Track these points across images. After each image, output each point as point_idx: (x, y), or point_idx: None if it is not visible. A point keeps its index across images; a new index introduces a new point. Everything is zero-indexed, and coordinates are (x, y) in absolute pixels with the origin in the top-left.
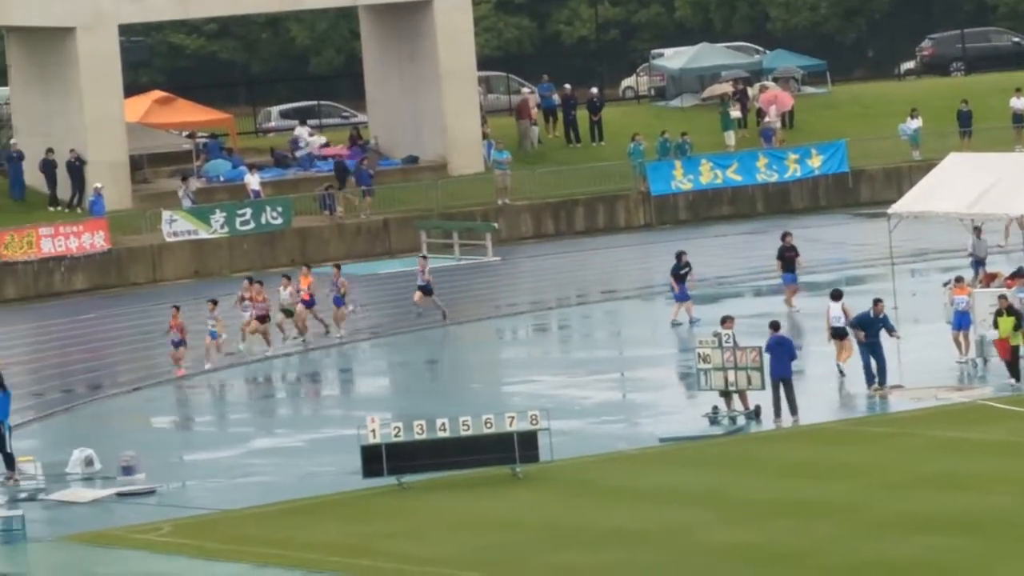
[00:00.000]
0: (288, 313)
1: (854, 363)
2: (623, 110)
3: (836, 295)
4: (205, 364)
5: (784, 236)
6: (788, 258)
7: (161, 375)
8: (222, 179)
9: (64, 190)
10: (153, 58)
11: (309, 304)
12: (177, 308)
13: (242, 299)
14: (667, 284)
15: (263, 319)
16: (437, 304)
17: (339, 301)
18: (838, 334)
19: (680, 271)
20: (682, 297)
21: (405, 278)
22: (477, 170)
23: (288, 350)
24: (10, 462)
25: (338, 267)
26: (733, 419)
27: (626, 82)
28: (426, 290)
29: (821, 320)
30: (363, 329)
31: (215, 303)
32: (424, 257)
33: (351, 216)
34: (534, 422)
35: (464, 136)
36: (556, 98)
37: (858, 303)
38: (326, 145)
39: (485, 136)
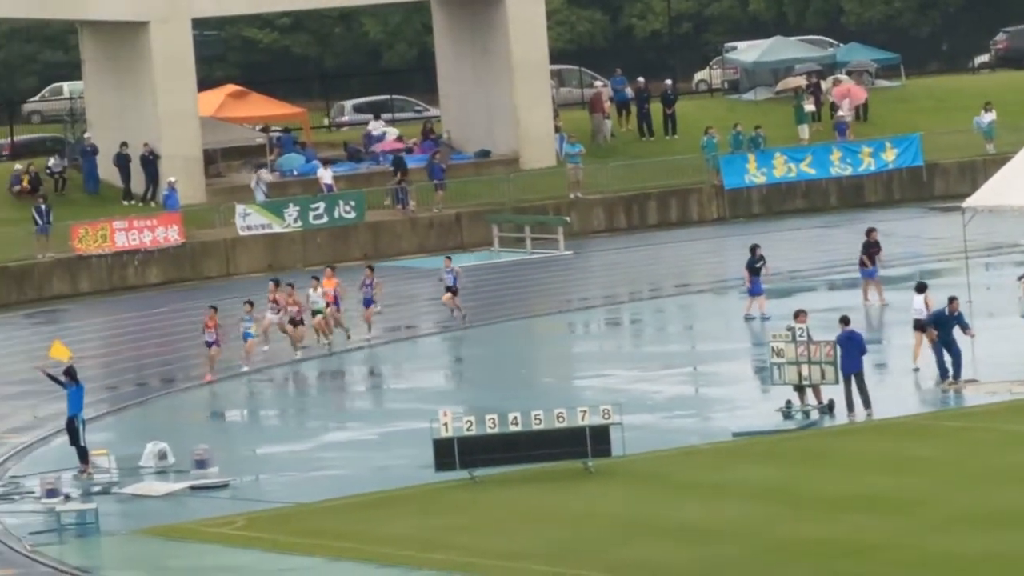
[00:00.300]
0: (315, 314)
1: (928, 357)
2: (696, 103)
3: (920, 287)
4: (243, 367)
5: (869, 232)
6: (871, 254)
7: (234, 369)
8: (295, 173)
9: (138, 184)
10: (227, 52)
11: (322, 308)
12: (214, 308)
13: (271, 302)
14: (741, 278)
15: (296, 323)
16: (458, 306)
17: (369, 302)
18: (919, 326)
19: (754, 264)
20: (755, 291)
21: (478, 272)
22: (549, 164)
23: (360, 344)
24: (84, 455)
25: (371, 268)
26: (807, 413)
27: (699, 75)
28: (453, 290)
29: (900, 313)
30: (436, 323)
31: (252, 304)
32: (448, 258)
33: (423, 210)
34: (606, 416)
35: (536, 130)
36: (629, 91)
37: (933, 297)
38: (399, 139)
39: (557, 130)
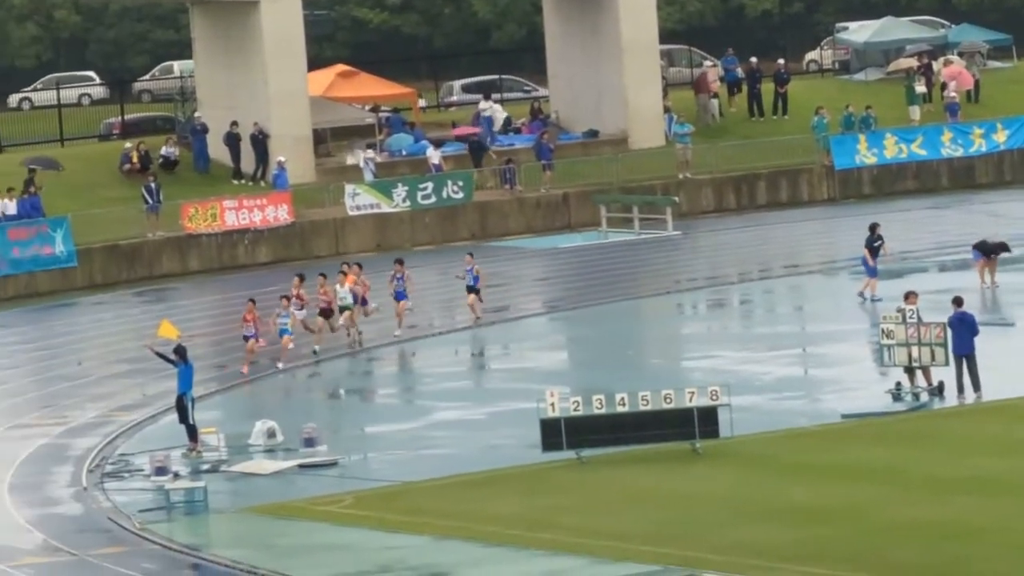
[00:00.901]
0: (344, 309)
1: None
2: (807, 83)
3: None
4: (278, 364)
5: (1002, 245)
6: (989, 251)
7: (341, 348)
8: (404, 153)
9: (248, 163)
10: (337, 32)
11: (351, 303)
12: (253, 301)
13: (294, 297)
14: (851, 259)
15: (326, 313)
16: (479, 303)
17: (401, 296)
18: None
19: (873, 243)
20: (871, 272)
21: (585, 252)
22: (658, 144)
23: (466, 323)
24: (193, 434)
25: (400, 262)
26: (916, 395)
27: (810, 55)
28: (475, 291)
29: (1013, 295)
30: (543, 303)
31: (288, 299)
32: (470, 255)
33: (531, 190)
34: (714, 397)
35: (645, 110)
36: (739, 71)
37: None
38: (508, 120)
39: (667, 110)
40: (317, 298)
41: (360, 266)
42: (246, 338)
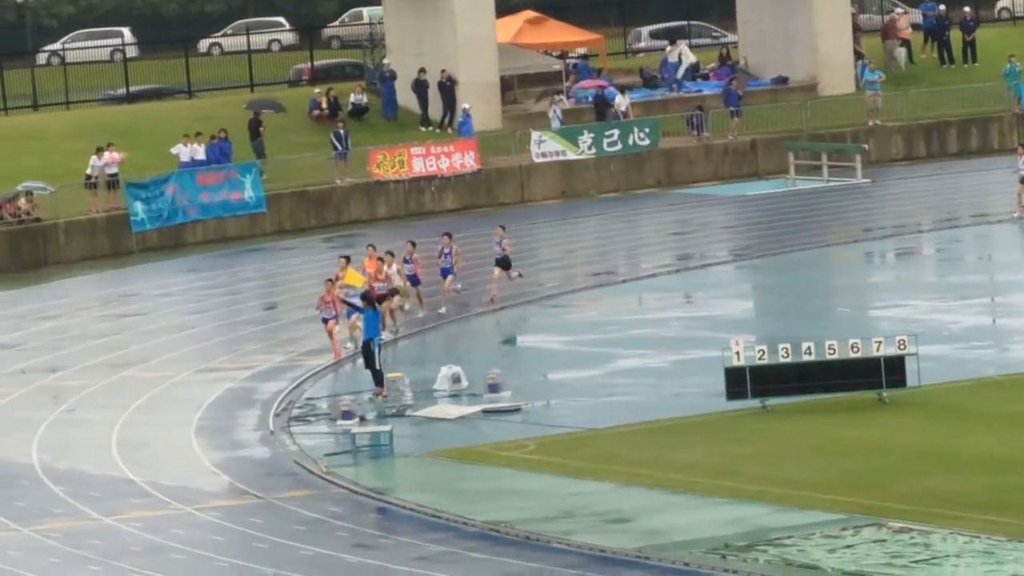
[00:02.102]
0: (394, 292)
1: None
2: (998, 31)
3: None
4: (347, 345)
5: None
6: None
7: (528, 294)
8: (591, 100)
9: (435, 110)
10: None
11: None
12: (332, 281)
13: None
14: None
15: (381, 298)
16: (511, 277)
17: (447, 272)
18: None
19: None
20: None
21: (773, 200)
22: (847, 91)
23: (655, 271)
24: (379, 378)
25: (449, 235)
26: None
27: (1001, 3)
28: (504, 263)
29: None
30: (729, 251)
31: (333, 281)
32: (502, 227)
33: (718, 137)
34: (902, 347)
35: (835, 56)
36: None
37: None
38: (696, 66)
39: (860, 56)
40: (372, 285)
41: (413, 244)
42: (325, 320)
